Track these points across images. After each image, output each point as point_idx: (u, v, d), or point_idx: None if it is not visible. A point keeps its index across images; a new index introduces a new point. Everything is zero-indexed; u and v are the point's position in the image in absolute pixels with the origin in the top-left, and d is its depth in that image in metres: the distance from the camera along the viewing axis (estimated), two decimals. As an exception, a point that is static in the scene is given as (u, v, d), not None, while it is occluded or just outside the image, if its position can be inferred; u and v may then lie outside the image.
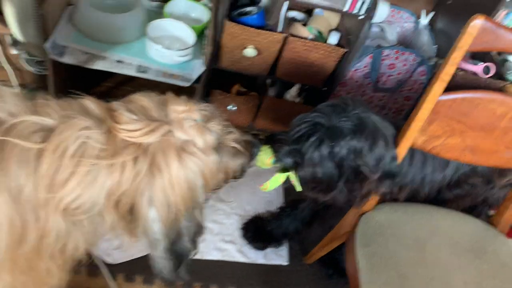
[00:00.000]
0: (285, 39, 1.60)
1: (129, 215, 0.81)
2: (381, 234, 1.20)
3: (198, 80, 1.67)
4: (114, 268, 1.46)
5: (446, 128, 1.15)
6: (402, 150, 1.17)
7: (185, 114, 0.82)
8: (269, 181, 1.26)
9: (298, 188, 1.23)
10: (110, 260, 1.47)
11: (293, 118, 1.92)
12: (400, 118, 1.93)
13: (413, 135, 1.14)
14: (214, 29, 1.58)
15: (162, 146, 0.78)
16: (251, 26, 1.61)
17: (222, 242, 1.61)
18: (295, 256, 1.67)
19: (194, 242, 0.95)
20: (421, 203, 1.35)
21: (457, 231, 1.27)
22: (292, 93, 1.82)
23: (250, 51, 1.60)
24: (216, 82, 1.88)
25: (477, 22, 0.98)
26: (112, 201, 0.77)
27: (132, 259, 1.49)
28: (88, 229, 0.81)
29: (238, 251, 1.60)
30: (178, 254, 0.90)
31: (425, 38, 1.85)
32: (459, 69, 1.80)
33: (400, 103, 1.89)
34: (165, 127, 0.80)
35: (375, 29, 1.90)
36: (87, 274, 1.43)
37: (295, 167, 1.20)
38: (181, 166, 0.79)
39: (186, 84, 1.65)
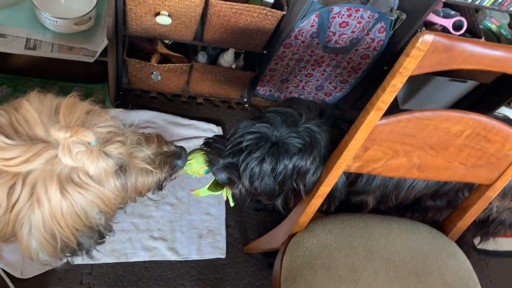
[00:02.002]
0: (207, 2, 1.26)
1: (13, 237, 0.74)
2: (310, 266, 1.04)
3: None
4: (25, 284, 1.31)
5: (387, 151, 0.93)
6: (331, 180, 0.95)
7: (76, 137, 0.66)
8: (201, 190, 1.10)
9: (232, 203, 1.06)
10: (18, 274, 1.31)
11: (232, 84, 1.65)
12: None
13: (345, 163, 0.92)
14: (114, -8, 1.23)
15: (44, 175, 0.67)
16: (163, -17, 1.26)
17: (150, 240, 1.45)
18: (234, 245, 1.53)
19: (99, 242, 0.86)
20: (371, 213, 1.18)
21: (399, 249, 1.11)
22: (226, 58, 1.52)
23: (163, 19, 1.27)
24: (138, 45, 1.56)
25: (426, 39, 0.70)
26: None
27: (46, 272, 1.33)
28: None
29: (169, 249, 1.45)
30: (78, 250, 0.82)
31: (388, -19, 1.50)
32: (428, 23, 1.50)
33: (356, 62, 1.61)
34: (49, 153, 0.67)
35: (328, -31, 1.53)
36: (-7, 294, 1.28)
37: (229, 183, 1.01)
38: (65, 198, 0.69)
39: (91, 60, 1.34)
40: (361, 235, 1.11)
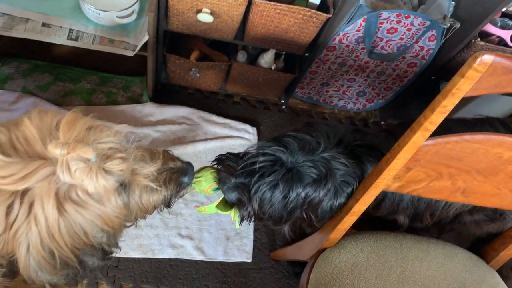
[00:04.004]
0: (250, 1, 1.23)
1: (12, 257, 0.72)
2: (338, 285, 0.99)
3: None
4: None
5: (430, 173, 0.87)
6: (368, 199, 0.90)
7: (74, 152, 0.64)
8: (207, 207, 1.05)
9: (237, 225, 1.01)
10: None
11: (270, 86, 1.61)
12: (396, 124, 1.58)
13: (384, 182, 0.86)
14: (158, -13, 1.22)
15: (41, 193, 0.65)
16: (208, -20, 1.23)
17: (178, 238, 1.44)
18: (261, 250, 1.50)
19: (104, 259, 0.83)
20: (408, 232, 1.12)
21: (434, 274, 1.04)
22: (266, 59, 1.48)
23: (205, 17, 1.25)
24: (179, 41, 1.54)
25: (485, 60, 0.64)
26: None
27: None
28: None
29: (196, 248, 1.44)
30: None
31: (443, -14, 1.41)
32: (483, 33, 1.41)
33: (403, 70, 1.53)
34: (47, 169, 0.65)
35: (379, -29, 1.46)
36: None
37: (239, 204, 0.97)
38: (62, 217, 0.67)
39: (131, 54, 1.34)
40: (395, 256, 1.05)
